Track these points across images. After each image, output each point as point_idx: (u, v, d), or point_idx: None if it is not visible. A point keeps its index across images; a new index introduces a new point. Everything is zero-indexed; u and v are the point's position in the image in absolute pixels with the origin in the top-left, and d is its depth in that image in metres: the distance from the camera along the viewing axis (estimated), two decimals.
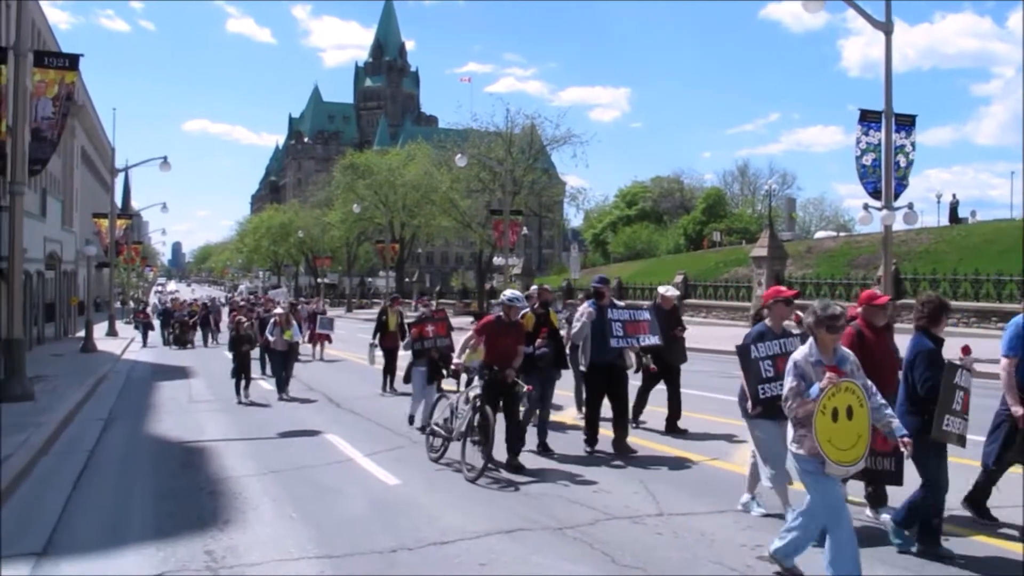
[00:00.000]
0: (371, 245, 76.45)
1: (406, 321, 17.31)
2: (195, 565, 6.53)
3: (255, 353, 18.31)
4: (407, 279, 76.48)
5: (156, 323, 39.33)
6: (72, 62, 17.27)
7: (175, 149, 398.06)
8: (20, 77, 15.78)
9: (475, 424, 9.46)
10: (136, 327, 38.64)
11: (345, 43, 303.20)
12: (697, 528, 7.33)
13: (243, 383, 16.44)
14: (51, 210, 33.55)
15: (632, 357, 11.23)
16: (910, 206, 21.10)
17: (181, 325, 34.30)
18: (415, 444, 11.52)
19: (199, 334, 35.44)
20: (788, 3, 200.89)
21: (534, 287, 12.51)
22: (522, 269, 49.94)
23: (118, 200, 71.33)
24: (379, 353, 17.61)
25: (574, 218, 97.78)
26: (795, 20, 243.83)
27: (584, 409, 11.25)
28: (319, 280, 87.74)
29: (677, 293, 12.94)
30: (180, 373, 22.95)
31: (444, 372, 12.64)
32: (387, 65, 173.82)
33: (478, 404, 9.45)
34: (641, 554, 6.64)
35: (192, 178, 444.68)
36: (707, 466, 9.82)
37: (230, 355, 17.31)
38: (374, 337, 17.80)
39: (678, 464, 9.91)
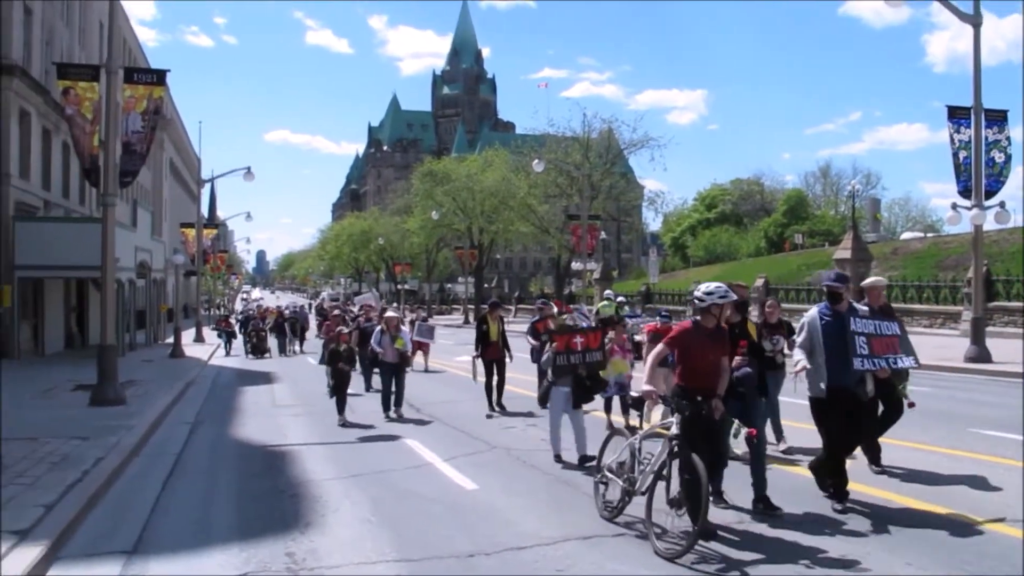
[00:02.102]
0: (450, 251, 77.09)
1: (503, 329, 15.82)
2: (276, 566, 6.65)
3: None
4: (486, 285, 76.84)
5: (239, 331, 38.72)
6: (160, 77, 17.82)
7: (258, 159, 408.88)
8: (112, 93, 16.33)
9: (665, 474, 7.08)
10: (219, 335, 38.02)
11: (421, 51, 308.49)
12: (778, 536, 7.19)
13: (344, 402, 14.42)
14: (141, 220, 34.61)
15: (871, 384, 8.07)
16: (1002, 204, 20.47)
17: (257, 334, 33.39)
18: (493, 449, 11.57)
19: (276, 343, 34.43)
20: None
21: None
22: (601, 274, 49.84)
23: (204, 210, 73.24)
24: (481, 368, 15.58)
25: (652, 222, 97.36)
26: (876, 16, 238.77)
27: (823, 451, 8.23)
28: (399, 286, 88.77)
29: (886, 283, 10.72)
30: (263, 378, 23.44)
31: (593, 395, 10.84)
32: (464, 72, 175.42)
33: (677, 449, 6.96)
34: (721, 562, 6.54)
35: (275, 187, 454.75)
36: (788, 472, 9.60)
37: (322, 366, 15.41)
38: (476, 349, 15.68)
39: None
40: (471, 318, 62.57)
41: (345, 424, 13.99)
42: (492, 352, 15.43)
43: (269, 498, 8.96)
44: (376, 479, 9.82)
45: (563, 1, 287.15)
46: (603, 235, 54.12)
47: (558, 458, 10.46)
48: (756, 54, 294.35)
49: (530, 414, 14.35)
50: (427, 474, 10.13)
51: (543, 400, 10.80)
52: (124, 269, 26.68)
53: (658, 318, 13.64)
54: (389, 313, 16.31)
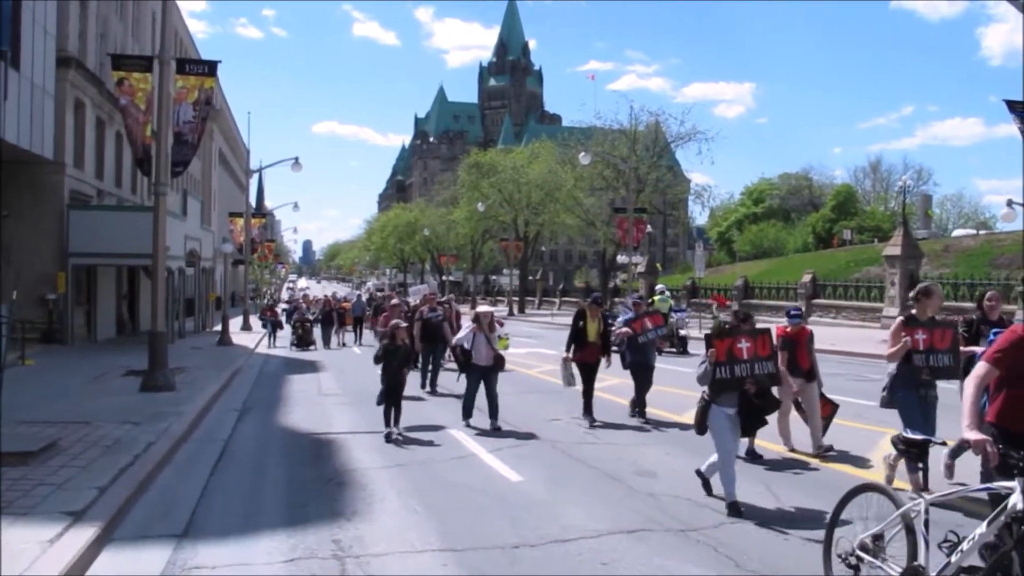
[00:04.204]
0: (495, 243, 77.26)
1: (610, 326, 13.52)
2: (323, 553, 6.70)
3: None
4: (531, 277, 76.79)
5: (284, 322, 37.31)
6: (211, 68, 18.02)
7: (305, 150, 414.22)
8: (164, 84, 16.54)
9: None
10: (264, 325, 36.50)
11: (467, 44, 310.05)
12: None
13: (395, 411, 12.04)
14: (191, 209, 35.05)
15: None
16: None
17: (303, 324, 32.06)
18: (538, 442, 11.55)
19: (321, 333, 33.04)
20: None
21: None
22: (646, 267, 49.56)
23: (252, 199, 74.07)
24: (576, 371, 13.36)
25: (699, 216, 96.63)
26: (930, 8, 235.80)
27: None
28: (444, 278, 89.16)
29: None
30: (310, 367, 23.64)
31: (764, 417, 8.48)
32: (511, 65, 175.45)
33: None
34: (767, 560, 6.48)
35: (322, 178, 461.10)
36: (833, 470, 9.50)
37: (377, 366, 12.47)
38: (568, 350, 13.36)
39: (804, 467, 9.64)
40: (515, 310, 62.61)
41: (392, 438, 11.67)
42: (590, 354, 13.22)
43: (316, 485, 9.04)
44: (421, 469, 9.86)
45: None
46: (649, 228, 53.68)
47: (734, 507, 7.84)
48: (806, 47, 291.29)
49: (639, 428, 12.65)
50: (472, 465, 10.15)
51: (700, 425, 8.30)
52: (174, 257, 27.06)
53: (787, 319, 10.99)
54: (483, 308, 13.79)
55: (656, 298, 26.57)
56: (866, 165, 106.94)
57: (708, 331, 8.50)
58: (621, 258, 47.41)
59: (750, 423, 8.21)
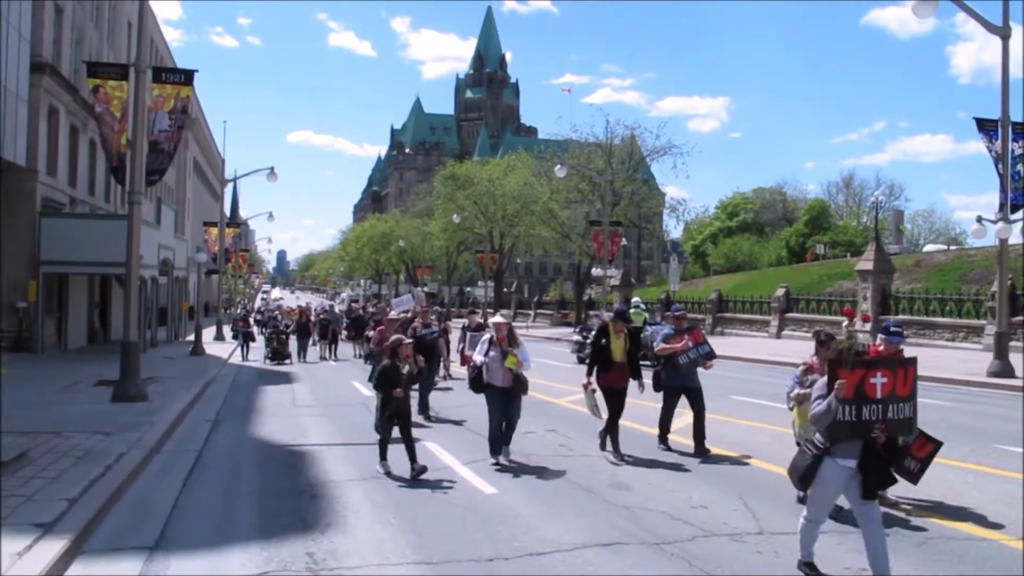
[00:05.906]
0: (471, 255, 77.34)
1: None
2: (297, 566, 6.67)
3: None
4: (505, 289, 76.79)
5: (257, 333, 36.33)
6: (187, 77, 17.95)
7: (280, 160, 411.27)
8: (140, 92, 16.44)
9: None
10: (235, 336, 35.29)
11: (444, 55, 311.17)
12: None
13: (406, 444, 10.18)
14: (165, 218, 34.79)
15: None
16: None
17: (277, 337, 30.41)
18: (514, 454, 11.47)
19: (296, 345, 31.23)
20: (892, 9, 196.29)
21: None
22: (621, 280, 49.72)
23: (226, 209, 73.61)
24: (601, 402, 11.50)
25: (674, 229, 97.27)
26: (900, 26, 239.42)
27: None
28: (420, 289, 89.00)
29: None
30: (284, 378, 23.51)
31: (895, 476, 6.54)
32: (487, 77, 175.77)
33: None
34: (741, 573, 6.52)
35: (297, 188, 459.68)
36: None
37: (374, 393, 10.93)
38: (589, 373, 11.52)
39: (777, 481, 9.68)
40: (489, 322, 62.50)
41: (392, 475, 10.08)
42: (615, 377, 11.33)
43: (290, 497, 8.99)
44: (396, 481, 9.82)
45: (586, 3, 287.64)
46: (624, 242, 53.86)
47: (810, 567, 6.47)
48: (779, 62, 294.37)
49: (674, 466, 10.74)
50: (447, 478, 10.11)
51: (805, 480, 6.31)
52: (147, 266, 26.85)
53: (881, 336, 7.96)
54: (497, 319, 11.74)
55: (630, 311, 26.62)
56: (839, 180, 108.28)
57: (832, 356, 6.34)
58: (596, 271, 47.51)
59: (874, 481, 6.06)
